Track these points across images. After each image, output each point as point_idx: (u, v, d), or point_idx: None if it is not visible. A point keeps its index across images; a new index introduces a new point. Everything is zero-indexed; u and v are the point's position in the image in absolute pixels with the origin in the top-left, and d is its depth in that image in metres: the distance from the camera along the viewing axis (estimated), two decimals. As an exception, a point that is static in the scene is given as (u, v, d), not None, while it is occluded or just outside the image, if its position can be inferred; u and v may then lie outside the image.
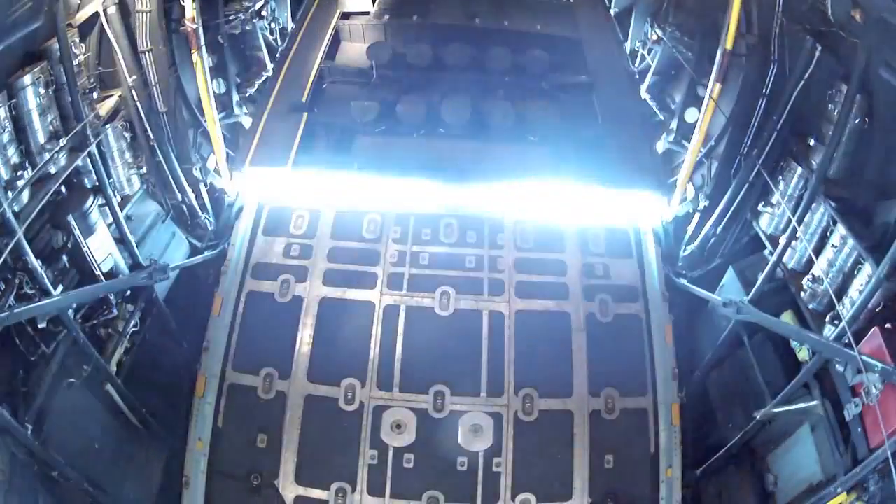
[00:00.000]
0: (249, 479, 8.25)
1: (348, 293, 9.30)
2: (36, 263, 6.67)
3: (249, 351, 8.94)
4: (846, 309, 6.75)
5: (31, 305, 6.50)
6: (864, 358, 6.06)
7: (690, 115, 10.76)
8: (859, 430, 6.32)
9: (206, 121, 10.26)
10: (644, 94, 11.87)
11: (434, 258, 9.64)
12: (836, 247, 7.11)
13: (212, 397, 8.58)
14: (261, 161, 9.86)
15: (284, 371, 8.75)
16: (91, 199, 7.65)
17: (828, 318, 7.18)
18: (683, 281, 9.71)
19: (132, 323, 8.47)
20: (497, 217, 9.96)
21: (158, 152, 9.20)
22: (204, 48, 9.72)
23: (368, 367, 8.77)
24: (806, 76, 7.81)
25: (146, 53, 8.89)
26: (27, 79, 6.75)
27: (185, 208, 9.93)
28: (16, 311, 6.27)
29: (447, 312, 9.21)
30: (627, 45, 12.71)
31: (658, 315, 9.21)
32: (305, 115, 10.54)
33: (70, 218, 7.34)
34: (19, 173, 6.72)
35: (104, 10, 8.20)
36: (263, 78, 11.94)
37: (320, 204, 10.05)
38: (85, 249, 7.54)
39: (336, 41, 12.46)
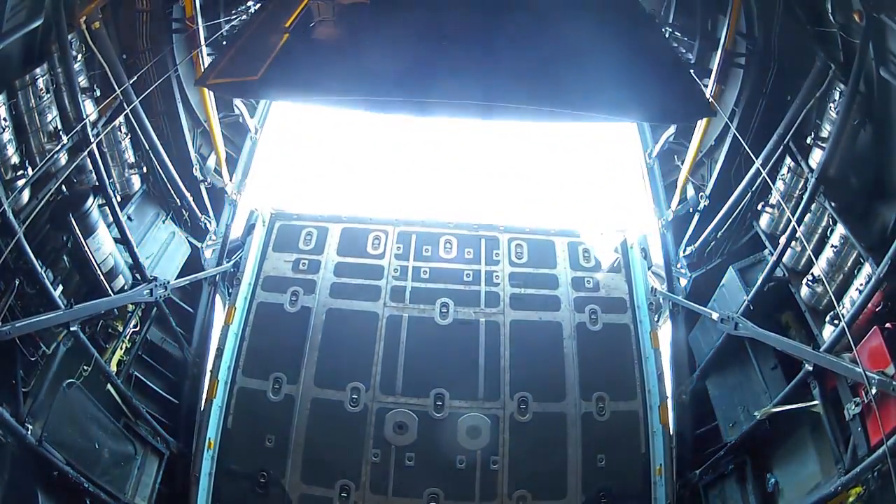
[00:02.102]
0: (257, 477, 8.54)
1: (354, 304, 9.77)
2: (36, 263, 6.66)
3: (259, 357, 9.34)
4: (846, 309, 6.75)
5: (33, 319, 6.53)
6: (863, 371, 5.99)
7: (690, 114, 10.73)
8: (859, 429, 6.31)
9: (206, 121, 10.26)
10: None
11: (434, 273, 10.15)
12: (835, 247, 7.11)
13: (222, 400, 8.94)
14: (230, 73, 9.68)
15: (292, 376, 9.12)
16: (91, 199, 7.63)
17: (828, 318, 7.19)
18: (681, 297, 9.89)
19: (132, 323, 8.48)
20: (493, 234, 10.55)
21: (158, 152, 9.18)
22: (204, 48, 9.71)
23: (372, 372, 9.19)
24: (806, 76, 7.81)
25: (146, 53, 8.88)
26: (27, 79, 6.74)
27: (184, 208, 9.92)
28: (18, 324, 6.28)
29: (446, 322, 9.67)
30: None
31: (645, 323, 9.73)
32: (286, 35, 10.04)
33: (70, 218, 7.33)
34: (19, 173, 6.71)
35: (104, 10, 8.18)
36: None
37: (327, 221, 10.57)
38: (85, 249, 7.53)
39: None
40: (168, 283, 8.74)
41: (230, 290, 10.07)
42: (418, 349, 9.46)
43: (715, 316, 8.73)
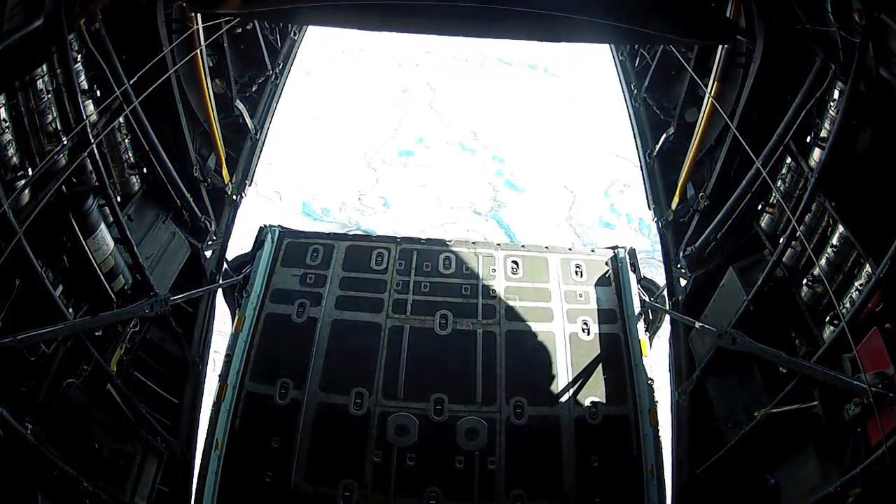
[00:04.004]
0: (262, 476, 8.83)
1: (358, 315, 10.28)
2: (36, 264, 6.67)
3: (267, 363, 9.75)
4: (846, 309, 6.75)
5: (35, 332, 6.55)
6: (867, 386, 5.98)
7: (690, 115, 10.76)
8: (859, 430, 6.31)
9: (206, 121, 10.27)
10: (643, 94, 11.86)
11: (434, 287, 10.71)
12: (835, 247, 7.11)
13: (230, 403, 9.30)
14: None
15: (299, 381, 9.50)
16: (91, 199, 7.64)
17: (827, 319, 7.19)
18: (675, 310, 10.14)
19: (132, 323, 8.49)
20: (489, 252, 11.23)
21: (158, 152, 9.20)
22: (204, 48, 9.72)
23: (375, 378, 9.61)
24: (806, 77, 7.80)
25: (146, 53, 8.88)
26: (27, 79, 6.76)
27: (185, 209, 9.94)
28: (20, 336, 6.31)
29: (446, 332, 10.15)
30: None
31: (635, 333, 10.18)
32: None
33: (70, 218, 7.34)
34: (19, 174, 6.72)
35: (104, 10, 8.19)
36: (263, 78, 11.93)
37: (333, 239, 11.30)
38: (85, 250, 7.55)
39: None
40: (168, 297, 8.82)
41: (240, 301, 10.51)
42: (419, 357, 9.92)
43: (698, 325, 8.92)
